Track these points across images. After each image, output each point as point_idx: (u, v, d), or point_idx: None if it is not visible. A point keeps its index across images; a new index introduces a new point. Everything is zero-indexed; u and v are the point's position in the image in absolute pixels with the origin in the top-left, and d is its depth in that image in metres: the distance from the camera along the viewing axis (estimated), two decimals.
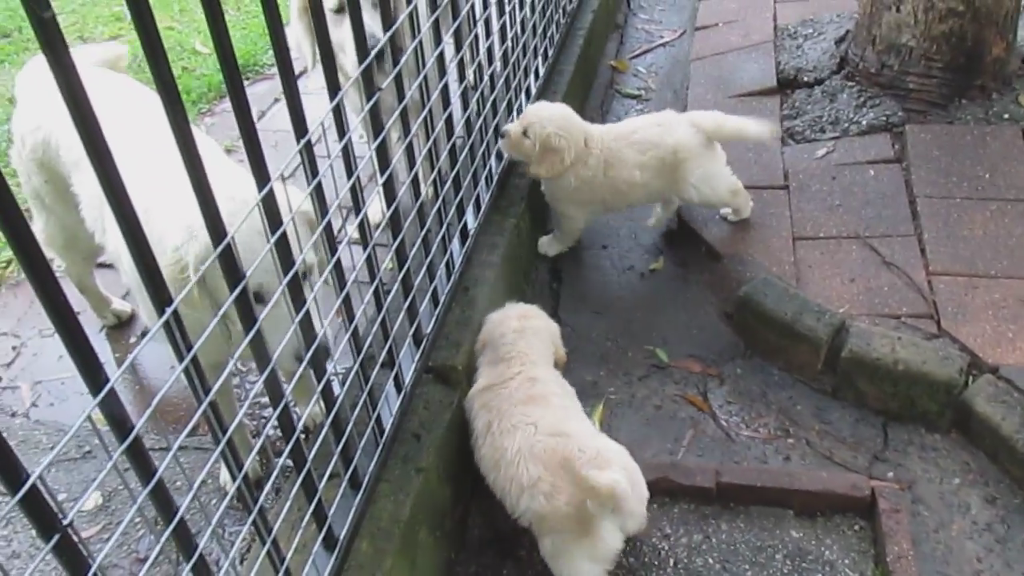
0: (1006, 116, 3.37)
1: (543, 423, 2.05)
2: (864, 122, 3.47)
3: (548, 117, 2.77)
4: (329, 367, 1.64)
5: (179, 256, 1.66)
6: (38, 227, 2.56)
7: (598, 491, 1.80)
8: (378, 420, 1.92)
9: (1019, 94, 3.47)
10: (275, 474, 1.58)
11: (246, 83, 4.46)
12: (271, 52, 5.20)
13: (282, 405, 1.44)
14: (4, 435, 0.87)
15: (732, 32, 4.43)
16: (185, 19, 5.33)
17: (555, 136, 2.74)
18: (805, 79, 3.85)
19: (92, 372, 0.98)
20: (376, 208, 3.00)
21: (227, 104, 4.55)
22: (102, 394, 0.97)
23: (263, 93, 4.41)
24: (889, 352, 2.47)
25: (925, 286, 2.72)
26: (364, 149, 1.78)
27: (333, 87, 1.56)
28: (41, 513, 0.93)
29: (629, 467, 1.99)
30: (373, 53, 1.69)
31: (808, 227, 3.03)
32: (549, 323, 2.43)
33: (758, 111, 3.73)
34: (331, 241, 1.61)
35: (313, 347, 1.52)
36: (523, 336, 2.30)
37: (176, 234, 1.68)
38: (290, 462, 1.54)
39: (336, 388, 1.71)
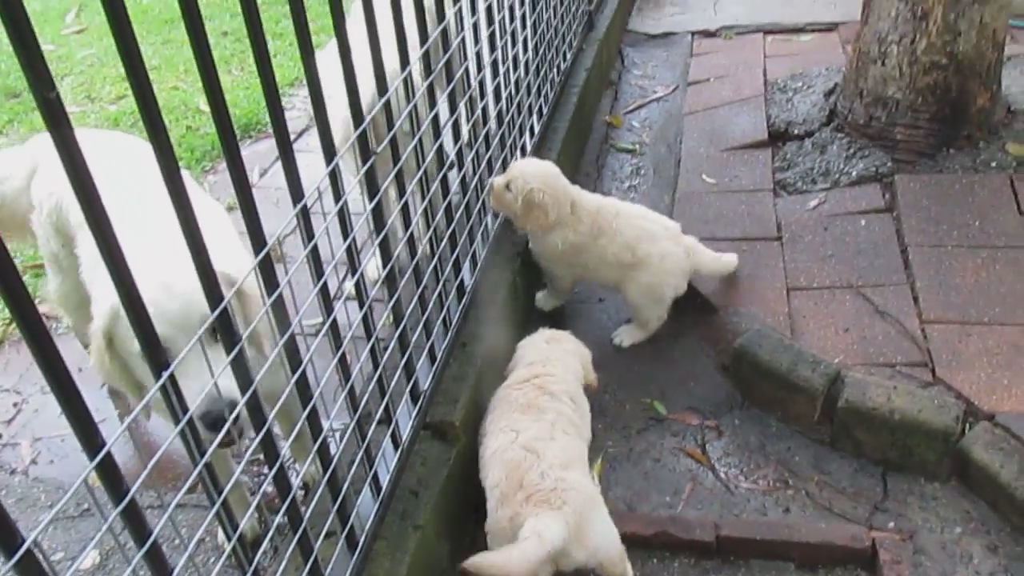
0: (993, 164, 3.43)
1: (525, 434, 2.10)
2: (854, 173, 3.53)
3: (532, 173, 2.81)
4: (326, 425, 1.65)
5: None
6: (52, 287, 2.62)
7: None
8: (375, 477, 1.93)
9: (1005, 142, 3.53)
10: (271, 533, 1.59)
11: (249, 141, 4.61)
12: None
13: (278, 464, 1.46)
14: (2, 494, 0.89)
15: (724, 87, 4.52)
16: (190, 79, 5.44)
17: (537, 192, 2.78)
18: (795, 131, 3.92)
19: (88, 435, 1.00)
20: (373, 265, 3.04)
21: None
22: (98, 458, 0.99)
23: (266, 151, 4.48)
24: (885, 401, 2.48)
25: (919, 334, 2.74)
26: (362, 203, 1.83)
27: (329, 153, 1.60)
28: None
29: (579, 509, 1.94)
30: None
31: (802, 278, 3.06)
32: (580, 347, 2.57)
33: (750, 163, 3.80)
34: (327, 300, 1.64)
35: (237, 409, 1.37)
36: (551, 353, 2.46)
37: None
38: (286, 520, 1.55)
39: (333, 446, 1.73)
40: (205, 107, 5.04)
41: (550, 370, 2.38)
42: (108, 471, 1.02)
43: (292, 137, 1.73)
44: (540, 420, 2.17)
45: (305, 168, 1.53)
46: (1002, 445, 2.36)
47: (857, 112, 3.71)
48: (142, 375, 1.69)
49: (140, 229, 1.80)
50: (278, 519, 1.51)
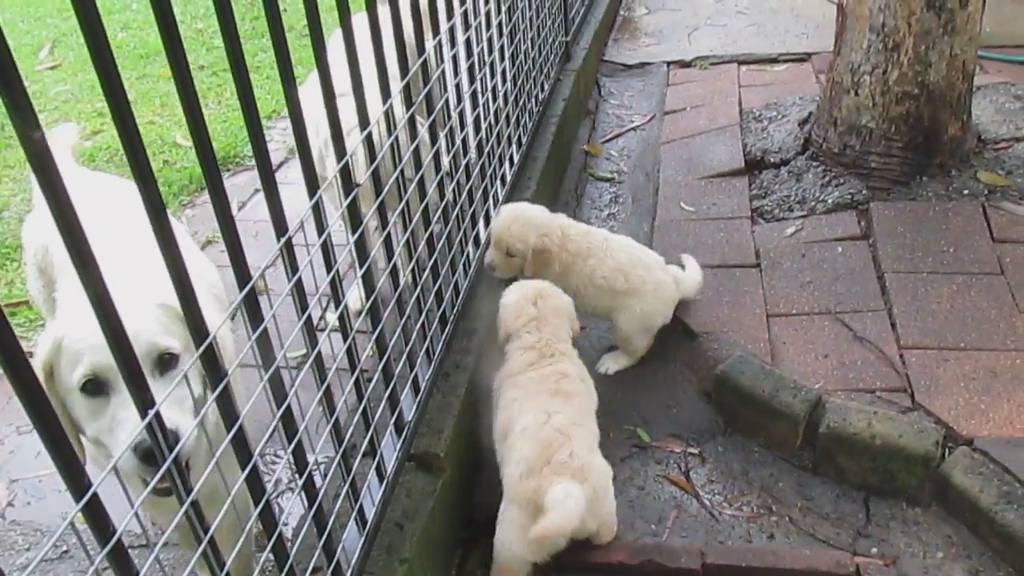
0: (966, 192, 3.49)
1: (557, 417, 2.25)
2: (830, 200, 3.58)
3: (515, 227, 2.86)
4: (311, 459, 1.64)
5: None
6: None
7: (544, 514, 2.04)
8: (360, 511, 1.92)
9: (977, 171, 3.60)
10: (257, 571, 1.57)
11: (227, 175, 4.60)
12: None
13: (264, 500, 1.45)
14: None
15: (700, 116, 4.58)
16: (166, 113, 5.43)
17: (541, 238, 2.85)
18: (771, 160, 3.97)
19: (75, 477, 0.98)
20: (355, 296, 3.05)
21: (208, 196, 4.62)
22: (84, 499, 0.97)
23: (244, 184, 4.47)
24: (866, 427, 2.50)
25: (897, 360, 2.77)
26: (343, 234, 1.83)
27: (312, 186, 1.60)
28: None
29: (598, 488, 2.20)
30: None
31: (781, 304, 3.09)
32: (563, 299, 2.63)
33: (728, 191, 3.84)
34: (311, 332, 1.63)
35: (177, 449, 1.24)
36: (545, 322, 2.51)
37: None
38: (272, 557, 1.53)
39: (318, 480, 1.71)
40: (182, 141, 5.04)
41: (559, 346, 2.48)
42: (95, 512, 1.01)
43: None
44: (569, 405, 2.33)
45: (286, 200, 1.53)
46: (981, 470, 2.38)
47: (832, 141, 3.77)
48: (78, 414, 1.60)
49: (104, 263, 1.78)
50: (265, 556, 1.49)
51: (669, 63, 5.44)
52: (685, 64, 5.39)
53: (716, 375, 2.82)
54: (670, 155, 4.26)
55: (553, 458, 2.15)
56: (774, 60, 5.19)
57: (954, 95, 3.53)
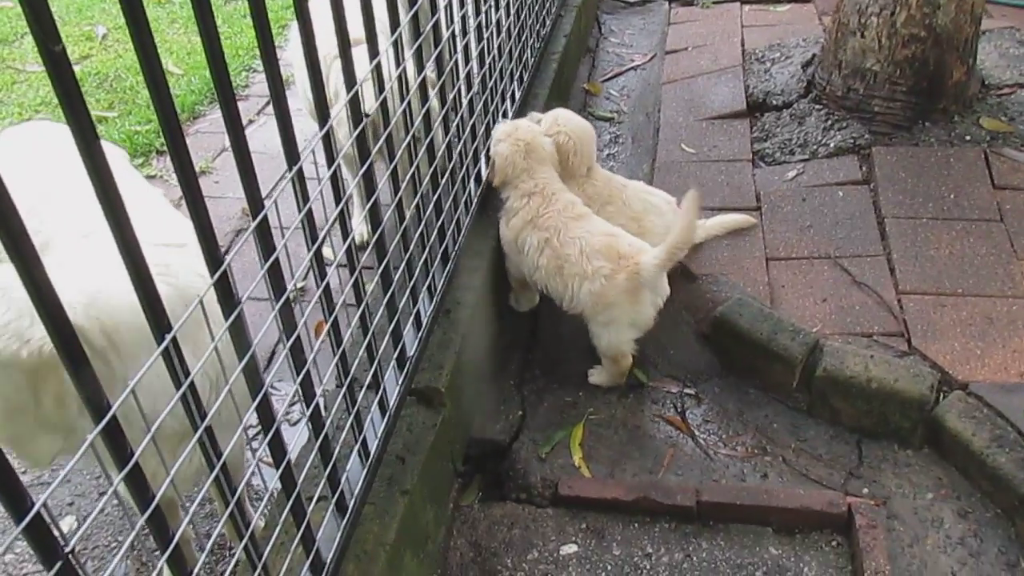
0: (968, 138, 3.48)
1: (595, 230, 2.62)
2: (832, 144, 3.56)
3: (572, 124, 2.94)
4: (318, 389, 1.64)
5: None
6: None
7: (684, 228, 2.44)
8: (363, 443, 1.93)
9: (979, 116, 3.58)
10: (266, 499, 1.58)
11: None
12: (244, 73, 5.14)
13: (274, 429, 1.45)
14: None
15: (701, 56, 4.52)
16: (157, 40, 5.30)
17: (563, 135, 2.89)
18: (774, 102, 3.93)
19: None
20: (360, 230, 3.03)
21: (200, 125, 4.55)
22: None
23: (243, 112, 4.40)
24: (862, 371, 2.53)
25: (895, 305, 2.78)
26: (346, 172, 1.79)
27: (323, 116, 1.57)
28: None
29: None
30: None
31: (780, 248, 3.09)
32: (548, 148, 2.82)
33: (729, 133, 3.81)
34: (320, 265, 1.62)
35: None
36: (537, 167, 2.75)
37: None
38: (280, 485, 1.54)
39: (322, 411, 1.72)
40: (174, 68, 4.94)
41: (554, 185, 2.75)
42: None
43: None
44: (592, 219, 2.70)
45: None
46: (975, 414, 2.42)
47: (835, 84, 3.73)
48: None
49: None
50: (273, 484, 1.50)
51: (671, 1, 5.34)
52: (687, 2, 5.30)
53: (714, 317, 2.83)
54: (671, 95, 4.21)
55: (621, 251, 2.54)
56: (777, 0, 5.10)
57: (961, 39, 3.49)
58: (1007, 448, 2.31)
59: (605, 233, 2.61)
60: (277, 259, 1.41)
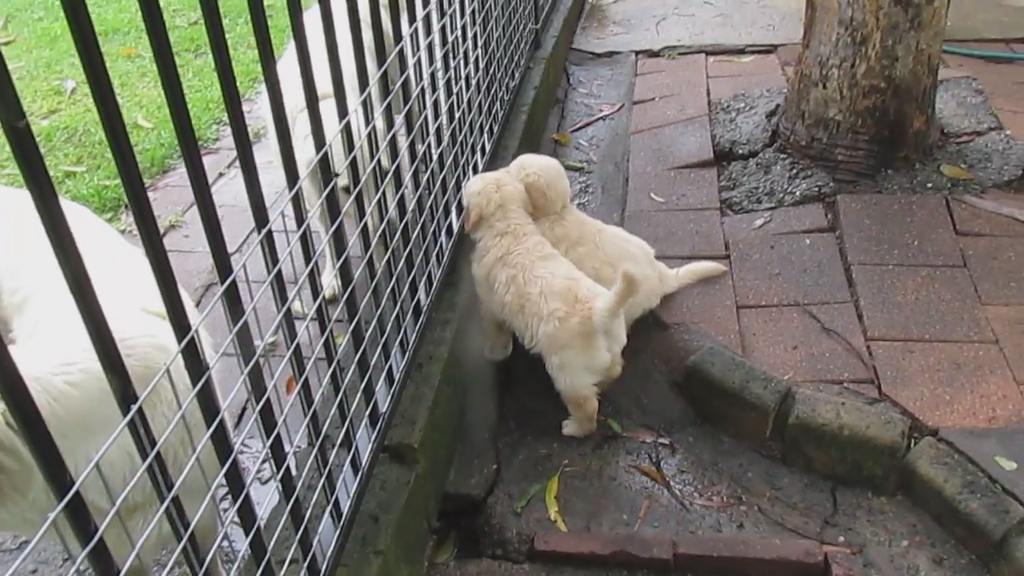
0: (929, 185, 3.55)
1: (558, 272, 2.68)
2: (798, 192, 3.62)
3: (538, 164, 3.01)
4: (288, 450, 1.62)
5: None
6: None
7: (627, 278, 2.44)
8: (336, 503, 1.90)
9: (940, 164, 3.66)
10: (238, 562, 1.55)
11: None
12: (215, 126, 5.13)
13: (244, 494, 1.43)
14: None
15: (668, 106, 4.60)
16: (126, 94, 5.31)
17: (532, 175, 2.94)
18: (740, 151, 4.00)
19: None
20: (328, 285, 3.01)
21: (169, 179, 4.53)
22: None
23: (207, 167, 4.38)
24: (834, 418, 2.54)
25: (864, 351, 2.81)
26: (314, 224, 1.79)
27: (292, 178, 1.58)
28: None
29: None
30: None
31: (750, 295, 3.11)
32: (516, 185, 2.91)
33: (697, 182, 3.86)
34: (290, 323, 1.61)
35: None
36: (510, 208, 2.83)
37: None
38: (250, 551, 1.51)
39: (294, 472, 1.69)
40: (143, 122, 4.93)
41: (525, 227, 2.82)
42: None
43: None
44: (559, 262, 2.76)
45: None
46: (946, 460, 2.43)
47: (799, 133, 3.80)
48: None
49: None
50: (244, 549, 1.47)
51: (637, 52, 5.44)
52: (653, 54, 5.39)
53: (687, 366, 2.84)
54: (639, 145, 4.27)
55: (578, 295, 2.59)
56: (741, 51, 5.22)
57: (919, 89, 3.58)
58: (979, 494, 2.32)
59: (566, 276, 2.66)
60: (246, 322, 1.40)
